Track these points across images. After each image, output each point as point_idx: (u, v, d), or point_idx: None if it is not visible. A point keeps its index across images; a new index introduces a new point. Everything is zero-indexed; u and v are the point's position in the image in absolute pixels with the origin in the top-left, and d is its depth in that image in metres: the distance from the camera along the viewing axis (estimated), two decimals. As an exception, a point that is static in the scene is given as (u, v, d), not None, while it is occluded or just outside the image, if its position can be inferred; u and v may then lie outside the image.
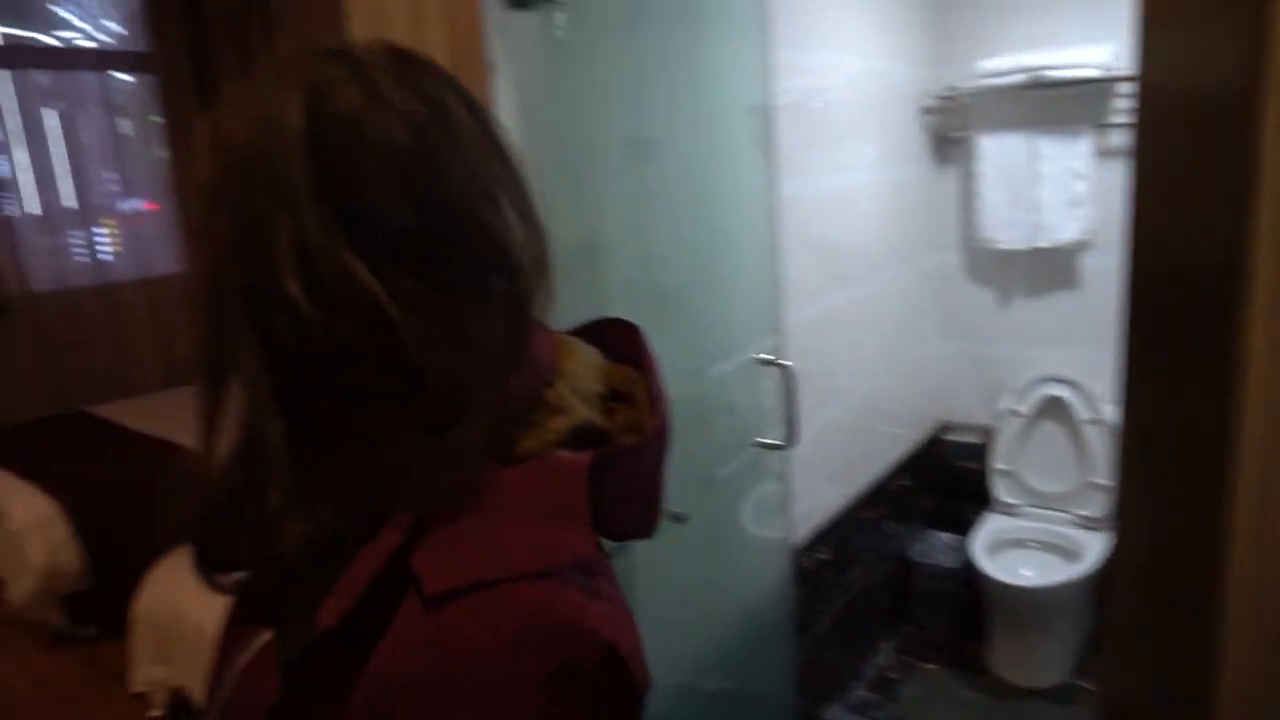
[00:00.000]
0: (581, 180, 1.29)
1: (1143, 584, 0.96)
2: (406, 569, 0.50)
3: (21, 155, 4.05)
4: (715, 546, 1.78)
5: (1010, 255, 2.60)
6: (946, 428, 2.88)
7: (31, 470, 3.06)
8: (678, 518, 1.50)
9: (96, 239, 4.34)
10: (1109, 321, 2.47)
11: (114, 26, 4.39)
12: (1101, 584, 2.43)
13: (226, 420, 0.53)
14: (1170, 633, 0.90)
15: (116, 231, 4.45)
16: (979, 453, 2.74)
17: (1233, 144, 0.72)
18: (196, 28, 3.68)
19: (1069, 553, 2.45)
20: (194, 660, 2.26)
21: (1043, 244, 2.47)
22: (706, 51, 1.60)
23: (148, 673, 2.44)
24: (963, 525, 2.69)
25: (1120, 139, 2.35)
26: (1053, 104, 2.39)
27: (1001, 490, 2.65)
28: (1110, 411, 2.45)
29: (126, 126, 4.43)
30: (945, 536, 2.73)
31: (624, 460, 0.57)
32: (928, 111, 2.57)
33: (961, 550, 2.58)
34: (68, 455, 3.27)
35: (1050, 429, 2.58)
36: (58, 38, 4.24)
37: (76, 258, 4.24)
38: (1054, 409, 2.56)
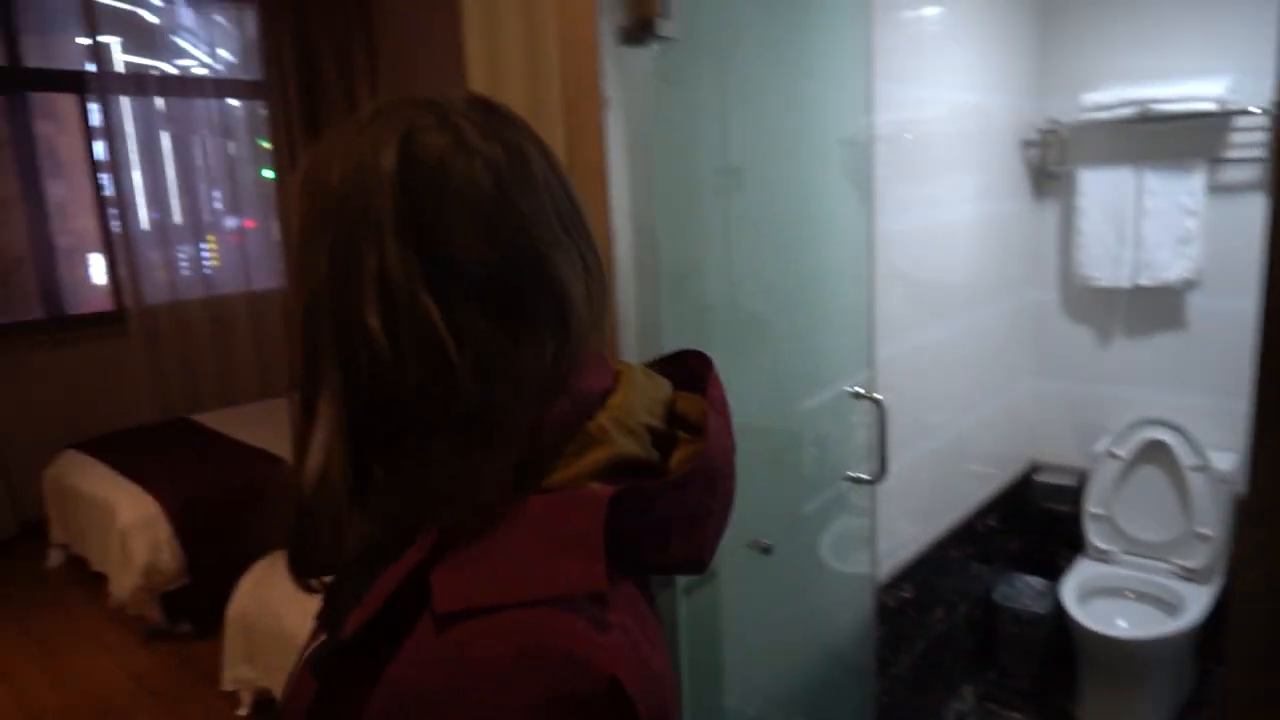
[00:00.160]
0: (683, 208, 1.30)
1: (1265, 642, 0.91)
2: (426, 585, 0.52)
3: (138, 175, 4.31)
4: (800, 579, 1.75)
5: (1111, 293, 2.51)
6: (1038, 468, 2.79)
7: (139, 472, 3.23)
8: (765, 549, 1.49)
9: (202, 254, 4.57)
10: (1215, 365, 2.43)
11: (227, 56, 4.66)
12: (1204, 639, 2.31)
13: (317, 434, 0.56)
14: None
15: (218, 247, 4.68)
16: (1072, 495, 2.64)
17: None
18: (306, 59, 3.90)
19: (1168, 605, 2.34)
20: (279, 662, 2.34)
21: (1145, 282, 2.38)
22: (808, 83, 1.61)
23: (237, 672, 2.52)
24: (1051, 570, 2.59)
25: (1236, 174, 2.27)
26: (1161, 138, 2.32)
27: (1095, 535, 2.54)
28: (1218, 459, 2.34)
29: (233, 148, 4.68)
30: (1033, 580, 2.64)
31: (650, 495, 0.57)
32: (1028, 145, 2.52)
33: (1050, 595, 2.49)
34: (172, 460, 3.44)
35: (1150, 474, 2.47)
36: (176, 66, 4.52)
37: (183, 271, 4.48)
38: (1155, 453, 2.45)
